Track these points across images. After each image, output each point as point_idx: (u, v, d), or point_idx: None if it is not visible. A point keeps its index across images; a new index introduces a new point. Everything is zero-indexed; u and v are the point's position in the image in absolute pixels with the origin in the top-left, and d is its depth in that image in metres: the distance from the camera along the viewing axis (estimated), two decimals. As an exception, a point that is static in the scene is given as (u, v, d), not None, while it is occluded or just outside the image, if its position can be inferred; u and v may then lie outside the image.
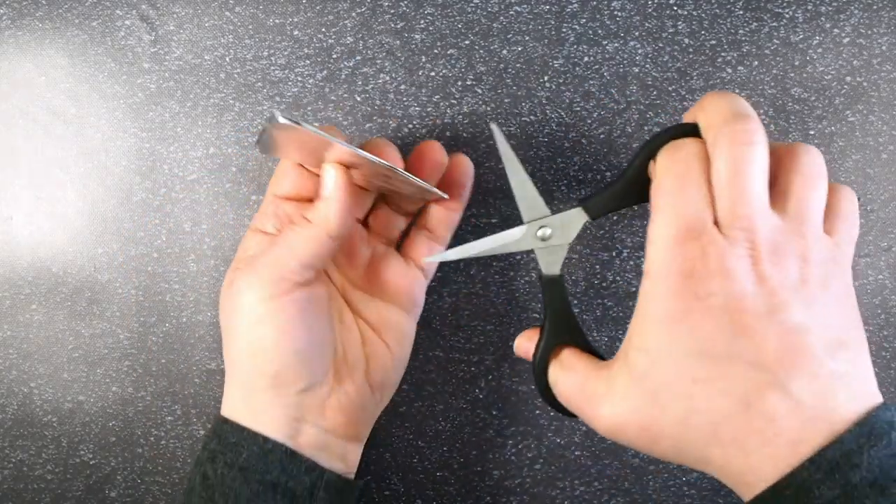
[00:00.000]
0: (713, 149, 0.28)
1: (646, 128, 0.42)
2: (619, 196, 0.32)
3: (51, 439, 0.45)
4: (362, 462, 0.44)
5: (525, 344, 0.35)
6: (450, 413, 0.44)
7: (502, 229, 0.43)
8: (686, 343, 0.27)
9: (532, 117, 0.42)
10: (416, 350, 0.44)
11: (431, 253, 0.39)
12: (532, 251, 0.34)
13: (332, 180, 0.33)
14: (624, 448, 0.44)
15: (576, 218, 0.33)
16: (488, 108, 0.42)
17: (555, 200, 0.42)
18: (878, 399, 0.27)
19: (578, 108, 0.42)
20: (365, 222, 0.40)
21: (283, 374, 0.33)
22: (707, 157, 0.28)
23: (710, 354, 0.27)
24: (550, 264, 0.33)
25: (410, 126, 0.43)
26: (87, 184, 0.44)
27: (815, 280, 0.27)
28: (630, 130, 0.42)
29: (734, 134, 0.28)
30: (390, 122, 0.43)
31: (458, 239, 0.42)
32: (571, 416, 0.33)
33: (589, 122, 0.42)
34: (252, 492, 0.32)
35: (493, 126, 0.34)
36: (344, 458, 0.36)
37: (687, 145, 0.29)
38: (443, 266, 0.43)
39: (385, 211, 0.40)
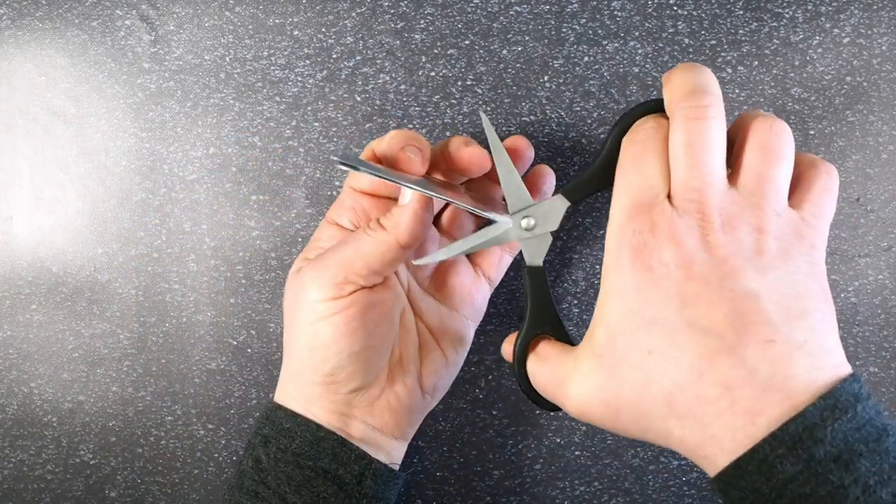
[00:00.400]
0: (671, 123, 0.29)
1: (646, 128, 0.42)
2: (597, 177, 0.32)
3: (51, 439, 0.45)
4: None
5: (508, 346, 0.35)
6: (450, 413, 0.44)
7: (502, 229, 0.43)
8: (639, 314, 0.27)
9: (532, 117, 0.42)
10: (416, 350, 0.44)
11: (500, 264, 0.40)
12: (517, 242, 0.34)
13: (418, 195, 0.33)
14: (624, 448, 0.44)
15: (557, 205, 0.33)
16: (488, 108, 0.42)
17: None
18: (844, 370, 0.26)
19: (578, 108, 0.42)
20: (437, 222, 0.40)
21: (336, 373, 0.33)
22: (666, 135, 0.29)
23: (662, 324, 0.27)
24: (534, 255, 0.34)
25: (410, 126, 0.43)
26: (87, 184, 0.44)
27: (771, 251, 0.27)
28: (630, 130, 0.42)
29: (689, 109, 0.28)
30: (390, 123, 0.43)
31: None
32: (553, 408, 0.33)
33: (589, 122, 0.42)
34: (304, 477, 0.33)
35: (482, 115, 0.34)
36: (389, 454, 0.36)
37: (647, 121, 0.30)
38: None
39: (459, 212, 0.40)
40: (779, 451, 0.24)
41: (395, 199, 0.37)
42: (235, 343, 0.44)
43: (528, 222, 0.34)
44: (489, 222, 0.35)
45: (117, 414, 0.44)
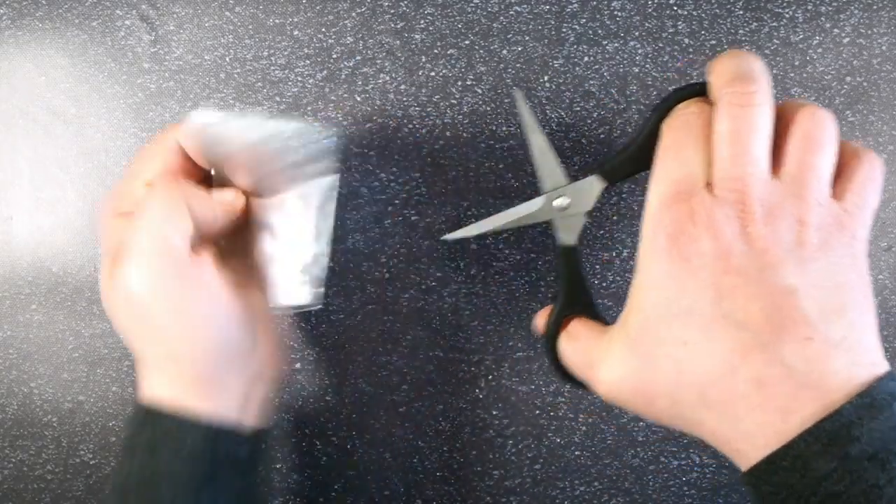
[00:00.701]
0: (715, 109, 0.28)
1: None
2: (634, 159, 0.31)
3: (51, 439, 0.45)
4: (362, 462, 0.44)
5: (541, 321, 0.35)
6: (450, 413, 0.44)
7: (502, 230, 0.43)
8: (675, 304, 0.27)
9: (532, 117, 0.42)
10: (416, 350, 0.44)
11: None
12: (549, 222, 0.34)
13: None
14: (624, 448, 0.44)
15: (593, 185, 0.32)
16: (488, 109, 0.42)
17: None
18: (881, 368, 0.25)
19: (578, 108, 0.42)
20: None
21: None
22: (708, 121, 0.28)
23: (697, 315, 0.26)
24: (567, 234, 0.33)
25: (410, 126, 0.43)
26: (87, 184, 0.44)
27: (812, 243, 0.26)
28: (630, 130, 0.42)
29: (735, 95, 0.27)
30: (390, 122, 0.43)
31: (458, 240, 0.42)
32: (580, 386, 0.33)
33: (589, 122, 0.42)
34: (202, 476, 0.32)
35: (517, 92, 0.33)
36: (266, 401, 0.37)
37: (691, 107, 0.29)
38: (443, 266, 0.43)
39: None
40: (814, 447, 0.24)
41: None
42: (235, 343, 0.44)
43: (562, 202, 0.33)
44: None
45: (117, 414, 0.44)
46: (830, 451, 0.24)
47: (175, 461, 0.32)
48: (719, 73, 0.28)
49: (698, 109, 0.29)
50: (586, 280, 0.33)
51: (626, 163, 0.32)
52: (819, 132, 0.27)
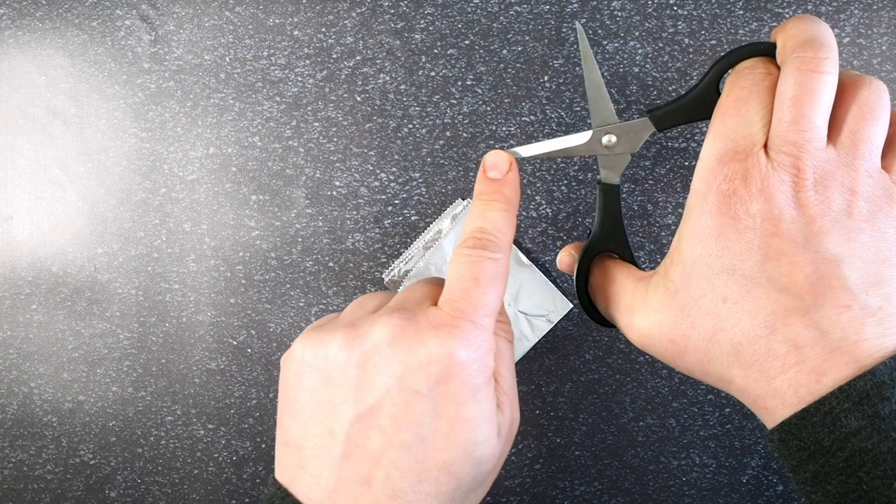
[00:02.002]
0: (782, 71, 0.28)
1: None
2: (688, 109, 0.32)
3: (51, 439, 0.45)
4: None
5: (566, 257, 0.34)
6: (450, 413, 0.44)
7: (502, 229, 0.43)
8: (718, 261, 0.27)
9: (532, 117, 0.42)
10: (416, 350, 0.44)
11: None
12: (594, 157, 0.33)
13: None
14: (624, 448, 0.44)
15: (642, 128, 0.32)
16: (488, 109, 0.42)
17: (556, 194, 0.42)
18: None
19: (578, 108, 0.42)
20: None
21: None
22: (774, 83, 0.28)
23: (741, 274, 0.27)
24: (611, 172, 0.33)
25: (410, 126, 0.43)
26: (87, 184, 0.44)
27: (860, 213, 0.27)
28: (630, 130, 0.42)
29: (805, 60, 0.27)
30: (390, 122, 0.43)
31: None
32: (608, 325, 0.33)
33: (589, 122, 0.42)
34: None
35: (578, 25, 0.33)
36: None
37: (757, 65, 0.29)
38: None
39: None
40: (845, 405, 0.25)
41: None
42: (235, 343, 0.44)
43: (610, 139, 0.33)
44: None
45: (117, 414, 0.44)
46: (861, 409, 0.25)
47: None
48: (791, 36, 0.28)
49: (765, 70, 0.29)
50: (623, 221, 0.33)
51: (678, 111, 0.32)
52: (874, 102, 0.27)
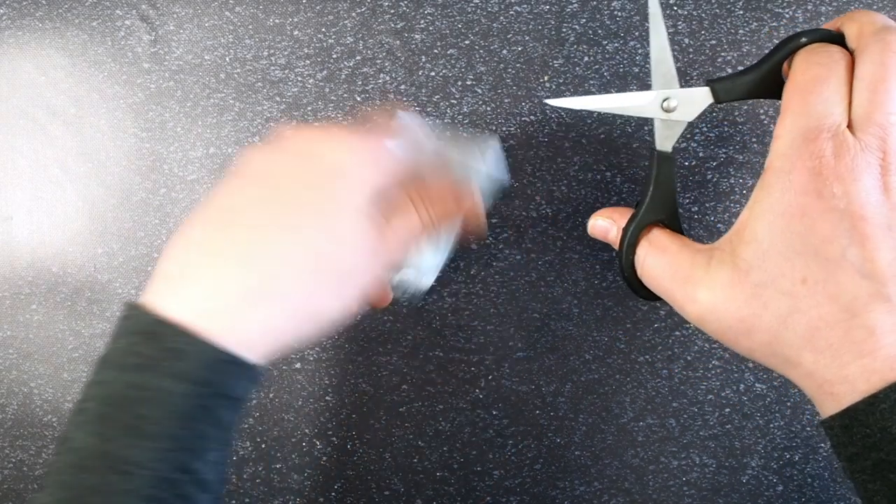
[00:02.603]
0: (862, 54, 0.28)
1: (646, 128, 0.42)
2: (749, 85, 0.31)
3: (51, 439, 0.45)
4: (362, 462, 0.44)
5: (602, 223, 0.34)
6: (450, 413, 0.44)
7: (502, 229, 0.43)
8: (801, 241, 0.27)
9: (532, 117, 0.42)
10: (416, 350, 0.44)
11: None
12: (651, 122, 0.33)
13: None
14: (624, 448, 0.44)
15: (701, 97, 0.32)
16: (488, 109, 0.42)
17: (556, 194, 0.42)
18: None
19: (578, 108, 0.42)
20: None
21: None
22: (849, 65, 0.28)
23: (824, 256, 0.26)
24: (665, 140, 0.33)
25: (410, 126, 0.43)
26: (87, 184, 0.44)
27: None
28: (630, 130, 0.42)
29: (888, 42, 0.27)
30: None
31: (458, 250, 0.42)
32: (653, 298, 0.32)
33: (589, 122, 0.42)
34: (195, 406, 0.28)
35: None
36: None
37: (831, 49, 0.29)
38: (443, 266, 0.43)
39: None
40: None
41: None
42: (235, 343, 0.44)
43: (670, 103, 0.32)
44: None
45: (117, 414, 0.44)
46: None
47: (170, 384, 0.27)
48: (867, 22, 0.28)
49: (841, 54, 0.28)
50: (676, 190, 0.32)
51: (740, 86, 0.31)
52: None
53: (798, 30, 0.41)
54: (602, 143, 0.42)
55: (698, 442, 0.43)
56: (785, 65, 0.30)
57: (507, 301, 0.43)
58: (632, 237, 0.32)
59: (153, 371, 0.27)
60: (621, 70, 0.42)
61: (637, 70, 0.42)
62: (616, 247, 0.33)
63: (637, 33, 0.42)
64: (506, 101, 0.42)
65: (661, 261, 0.31)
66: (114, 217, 0.44)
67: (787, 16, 0.41)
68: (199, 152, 0.43)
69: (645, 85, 0.42)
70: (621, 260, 0.32)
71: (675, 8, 0.41)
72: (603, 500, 0.44)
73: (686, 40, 0.42)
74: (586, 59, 0.42)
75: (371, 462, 0.44)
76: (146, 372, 0.27)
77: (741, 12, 0.41)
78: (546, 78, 0.42)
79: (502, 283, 0.43)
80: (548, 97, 0.31)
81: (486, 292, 0.43)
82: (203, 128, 0.43)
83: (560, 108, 0.32)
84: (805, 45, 0.30)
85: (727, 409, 0.43)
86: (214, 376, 0.28)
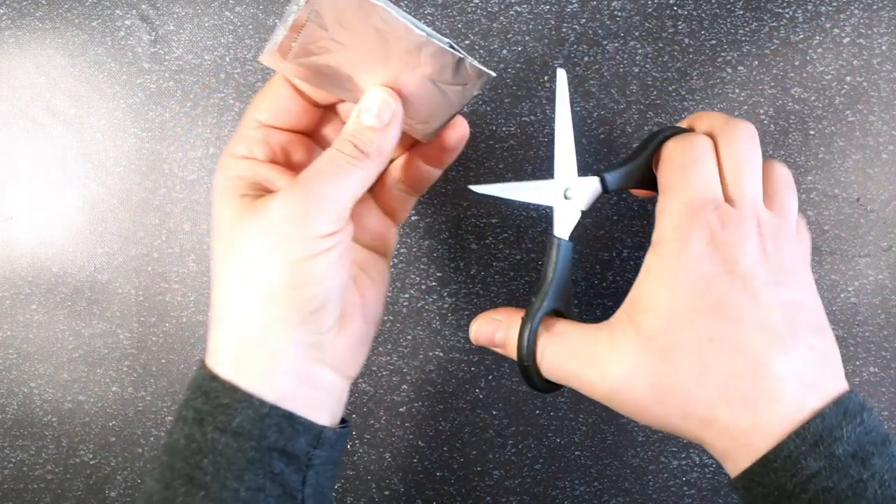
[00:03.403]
0: (724, 140, 0.31)
1: (646, 128, 0.42)
2: (629, 177, 0.33)
3: (51, 439, 0.45)
4: (362, 462, 0.44)
5: (486, 327, 0.34)
6: (450, 413, 0.44)
7: (502, 230, 0.43)
8: (703, 302, 0.29)
9: (532, 117, 0.42)
10: (416, 350, 0.44)
11: (405, 206, 0.37)
12: (551, 209, 0.33)
13: (390, 108, 0.31)
14: (624, 448, 0.44)
15: (593, 187, 0.33)
16: (488, 109, 0.42)
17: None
18: (846, 386, 0.29)
19: (578, 108, 0.42)
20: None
21: (322, 311, 0.30)
22: (714, 150, 0.31)
23: (725, 315, 0.28)
24: (565, 228, 0.33)
25: (410, 126, 0.43)
26: (87, 184, 0.44)
27: (800, 269, 0.30)
28: (630, 130, 0.42)
29: (743, 131, 0.31)
30: (390, 122, 0.43)
31: (457, 239, 0.42)
32: (554, 389, 0.32)
33: (589, 122, 0.42)
34: (247, 459, 0.29)
35: (561, 72, 0.33)
36: (340, 399, 0.34)
37: (699, 136, 0.32)
38: (443, 266, 0.43)
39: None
40: (802, 448, 0.27)
41: (310, 136, 0.35)
42: (235, 343, 0.44)
43: (571, 193, 0.33)
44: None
45: (117, 414, 0.44)
46: (817, 450, 0.27)
47: (221, 437, 0.29)
48: (715, 118, 0.33)
49: (707, 139, 0.32)
50: (570, 280, 0.33)
51: (624, 177, 0.33)
52: (791, 180, 0.32)
53: (798, 29, 0.41)
54: (602, 144, 0.42)
55: (698, 442, 0.43)
56: (655, 158, 0.33)
57: (507, 301, 0.43)
58: (532, 329, 0.32)
59: (205, 425, 0.30)
60: (621, 70, 0.42)
61: (637, 70, 0.42)
62: (503, 349, 0.34)
63: (637, 33, 0.42)
64: (506, 101, 0.42)
65: (564, 346, 0.32)
66: (114, 217, 0.44)
67: (787, 16, 0.41)
68: (199, 152, 0.43)
69: (644, 86, 0.42)
70: (521, 356, 0.32)
71: (675, 8, 0.42)
72: (603, 500, 0.44)
73: (686, 40, 0.42)
74: (586, 59, 0.42)
75: (371, 462, 0.44)
76: (200, 426, 0.30)
77: (741, 12, 0.41)
78: (546, 78, 0.42)
79: (502, 283, 0.43)
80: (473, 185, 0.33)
81: (486, 292, 0.43)
82: (203, 128, 0.43)
83: (483, 194, 0.34)
84: (665, 139, 0.33)
85: (727, 409, 0.43)
86: (261, 430, 0.30)
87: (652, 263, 0.30)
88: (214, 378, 0.30)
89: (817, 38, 0.41)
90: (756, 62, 0.42)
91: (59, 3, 0.43)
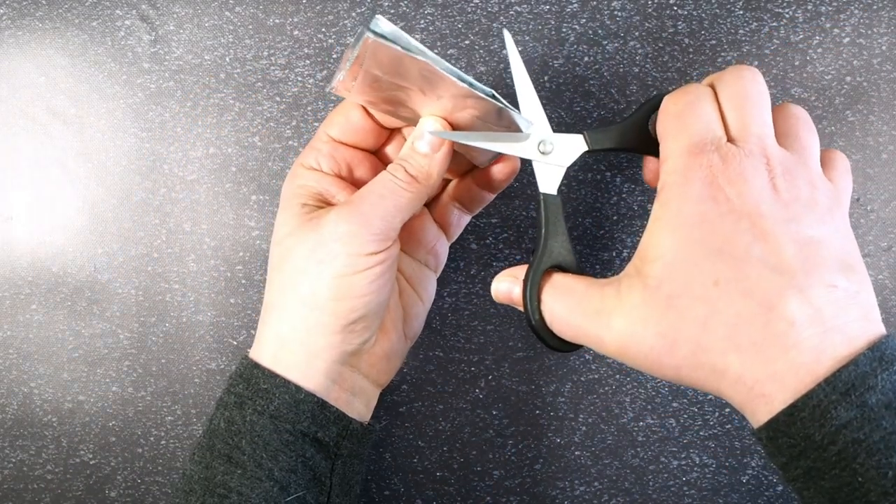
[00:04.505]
0: (721, 84, 0.30)
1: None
2: (618, 136, 0.33)
3: (51, 439, 0.45)
4: (362, 462, 0.44)
5: (504, 285, 0.34)
6: (450, 413, 0.44)
7: (502, 230, 0.43)
8: (706, 245, 0.27)
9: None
10: (416, 350, 0.44)
11: (459, 223, 0.39)
12: (531, 163, 0.34)
13: (437, 137, 0.33)
14: (624, 448, 0.44)
15: (577, 144, 0.33)
16: (488, 108, 0.42)
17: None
18: (883, 329, 0.27)
19: (578, 108, 0.42)
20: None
21: (358, 324, 0.33)
22: (714, 96, 0.30)
23: (730, 255, 0.27)
24: (549, 182, 0.33)
25: (410, 126, 0.43)
26: (87, 184, 0.44)
27: (823, 206, 0.28)
28: (630, 130, 0.42)
29: (743, 71, 0.30)
30: (390, 122, 0.43)
31: (457, 239, 0.42)
32: (567, 349, 0.32)
33: (589, 121, 0.42)
34: (282, 441, 0.32)
35: (506, 33, 0.34)
36: (369, 403, 0.37)
37: (692, 84, 0.31)
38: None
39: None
40: (832, 396, 0.25)
41: (375, 153, 0.37)
42: (235, 343, 0.44)
43: (545, 146, 0.33)
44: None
45: (117, 414, 0.44)
46: (849, 399, 0.25)
47: (259, 419, 0.32)
48: (719, 72, 0.31)
49: (704, 86, 0.31)
50: (567, 231, 0.33)
51: (611, 135, 0.33)
52: (810, 122, 0.31)
53: (798, 29, 0.41)
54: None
55: (698, 442, 0.43)
56: (652, 119, 0.32)
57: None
58: (533, 286, 0.32)
59: (245, 408, 0.33)
60: (621, 70, 0.42)
61: (637, 70, 0.42)
62: (520, 306, 0.33)
63: (637, 33, 0.42)
64: (506, 101, 0.42)
65: (570, 301, 0.31)
66: (114, 217, 0.44)
67: (787, 16, 0.41)
68: (199, 152, 0.43)
69: (644, 86, 0.42)
70: (528, 312, 0.32)
71: (675, 8, 0.42)
72: (603, 500, 0.44)
73: (686, 40, 0.42)
74: (586, 59, 0.42)
75: (371, 462, 0.44)
76: (241, 409, 0.33)
77: (741, 12, 0.41)
78: (546, 78, 0.42)
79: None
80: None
81: (486, 292, 0.43)
82: (203, 128, 0.43)
83: (445, 138, 0.33)
84: (660, 100, 0.32)
85: (727, 409, 0.43)
86: (296, 415, 0.32)
87: (655, 211, 0.29)
88: (256, 366, 0.33)
89: (817, 38, 0.41)
90: (756, 62, 0.42)
91: (59, 3, 0.43)
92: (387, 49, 0.29)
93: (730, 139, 0.29)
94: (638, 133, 0.33)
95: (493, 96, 0.32)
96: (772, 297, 0.26)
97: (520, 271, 0.33)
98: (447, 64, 0.30)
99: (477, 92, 0.31)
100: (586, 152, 0.33)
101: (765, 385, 0.26)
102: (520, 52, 0.42)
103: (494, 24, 0.42)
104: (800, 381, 0.25)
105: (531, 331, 0.32)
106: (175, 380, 0.44)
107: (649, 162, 0.34)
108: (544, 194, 0.33)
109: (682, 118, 0.30)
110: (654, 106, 0.32)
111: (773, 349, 0.26)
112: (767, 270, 0.26)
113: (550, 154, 0.33)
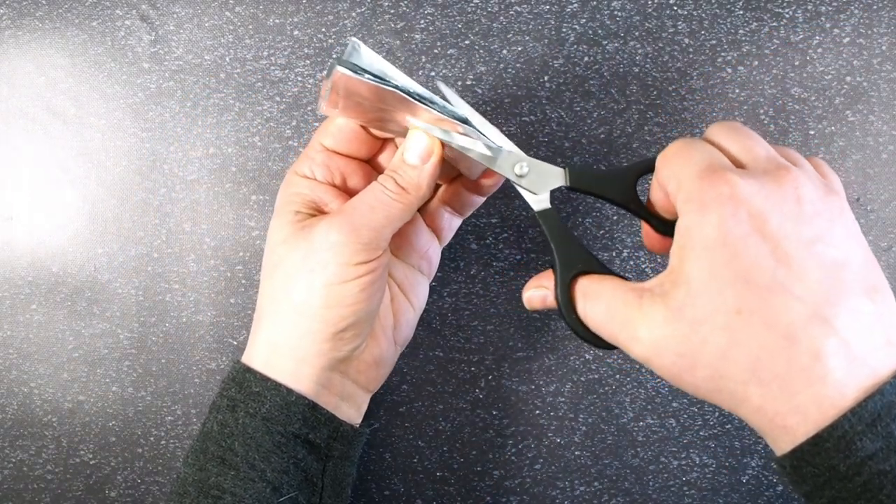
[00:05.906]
0: (710, 132, 0.31)
1: (646, 128, 0.42)
2: (602, 182, 0.33)
3: (51, 439, 0.45)
4: (361, 463, 0.44)
5: (537, 293, 0.34)
6: (450, 413, 0.44)
7: (502, 229, 0.43)
8: (728, 270, 0.26)
9: (532, 117, 0.42)
10: (416, 350, 0.44)
11: (451, 226, 0.39)
12: (510, 183, 0.34)
13: (427, 149, 0.33)
14: (624, 448, 0.44)
15: (555, 175, 0.33)
16: (488, 109, 0.42)
17: (556, 193, 0.42)
18: None
19: (578, 108, 0.42)
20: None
21: (350, 331, 0.33)
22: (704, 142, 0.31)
23: (754, 283, 0.26)
24: (537, 202, 0.33)
25: (410, 126, 0.43)
26: (87, 184, 0.44)
27: (838, 219, 0.27)
28: (630, 130, 0.42)
29: (730, 122, 0.31)
30: (390, 122, 0.43)
31: (457, 239, 0.42)
32: (610, 347, 0.32)
33: (589, 122, 0.42)
34: (274, 443, 0.33)
35: (440, 82, 0.34)
36: (359, 408, 0.37)
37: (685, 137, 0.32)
38: (443, 266, 0.43)
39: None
40: (858, 427, 0.24)
41: (368, 161, 0.37)
42: (235, 343, 0.44)
43: (521, 168, 0.33)
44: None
45: (117, 414, 0.44)
46: (874, 430, 0.24)
47: (251, 421, 0.33)
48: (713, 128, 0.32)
49: (693, 138, 0.31)
50: (574, 237, 0.33)
51: (594, 179, 0.33)
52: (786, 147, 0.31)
53: (798, 29, 0.41)
54: (602, 143, 0.42)
55: (698, 442, 0.43)
56: (650, 193, 0.32)
57: (507, 301, 0.43)
58: (563, 297, 0.32)
59: (237, 411, 0.33)
60: (621, 70, 0.42)
61: (637, 70, 0.42)
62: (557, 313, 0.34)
63: (637, 33, 0.42)
64: (506, 101, 0.42)
65: (599, 307, 0.31)
66: (114, 217, 0.44)
67: (787, 16, 0.41)
68: (199, 152, 0.43)
69: (644, 86, 0.42)
70: (568, 323, 0.32)
71: (675, 8, 0.42)
72: (603, 500, 0.44)
73: (686, 40, 0.42)
74: (586, 59, 0.42)
75: (371, 462, 0.44)
76: (233, 412, 0.33)
77: (741, 12, 0.41)
78: (546, 78, 0.42)
79: (502, 283, 0.43)
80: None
81: (486, 292, 0.43)
82: (203, 128, 0.43)
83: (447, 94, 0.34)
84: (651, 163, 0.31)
85: (727, 409, 0.43)
86: (288, 417, 0.33)
87: (677, 237, 0.29)
88: (248, 370, 0.34)
89: (817, 38, 0.41)
90: (756, 62, 0.42)
91: (59, 3, 0.43)
92: (357, 81, 0.30)
93: (737, 167, 0.28)
94: (623, 188, 0.32)
95: (465, 121, 0.32)
96: (796, 328, 0.25)
97: (547, 278, 0.33)
98: (419, 88, 0.31)
99: (447, 118, 0.32)
100: (566, 187, 0.33)
101: (786, 417, 0.26)
102: (520, 51, 0.42)
103: (494, 24, 0.42)
104: (823, 414, 0.25)
105: (577, 337, 0.33)
106: (175, 380, 0.44)
107: (647, 229, 0.34)
108: (537, 212, 0.33)
109: (684, 152, 0.29)
110: (645, 167, 0.32)
111: (796, 383, 0.25)
112: (792, 298, 0.26)
113: (526, 178, 0.33)
